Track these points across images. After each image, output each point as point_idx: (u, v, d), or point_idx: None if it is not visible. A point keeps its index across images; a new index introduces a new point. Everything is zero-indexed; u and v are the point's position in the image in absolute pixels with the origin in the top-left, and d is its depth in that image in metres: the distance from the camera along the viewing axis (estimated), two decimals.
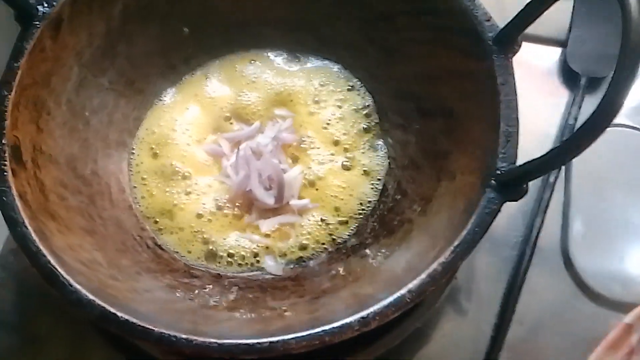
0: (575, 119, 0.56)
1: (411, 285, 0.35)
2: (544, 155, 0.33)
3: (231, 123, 0.52)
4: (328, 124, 0.51)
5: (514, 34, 0.39)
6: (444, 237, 0.37)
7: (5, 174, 0.38)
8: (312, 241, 0.47)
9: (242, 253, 0.46)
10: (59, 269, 0.35)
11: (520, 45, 0.40)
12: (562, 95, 0.59)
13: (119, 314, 0.34)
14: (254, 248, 0.47)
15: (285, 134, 0.50)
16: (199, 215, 0.48)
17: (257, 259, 0.46)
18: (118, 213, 0.46)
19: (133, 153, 0.50)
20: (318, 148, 0.50)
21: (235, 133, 0.51)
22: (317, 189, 0.49)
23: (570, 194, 0.54)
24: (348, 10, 0.50)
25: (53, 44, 0.43)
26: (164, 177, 0.49)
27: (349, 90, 0.52)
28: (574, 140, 0.31)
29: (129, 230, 0.46)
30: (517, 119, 0.38)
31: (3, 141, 0.39)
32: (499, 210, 0.36)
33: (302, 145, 0.50)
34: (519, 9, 0.38)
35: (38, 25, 0.42)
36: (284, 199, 0.47)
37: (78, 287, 0.35)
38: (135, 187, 0.49)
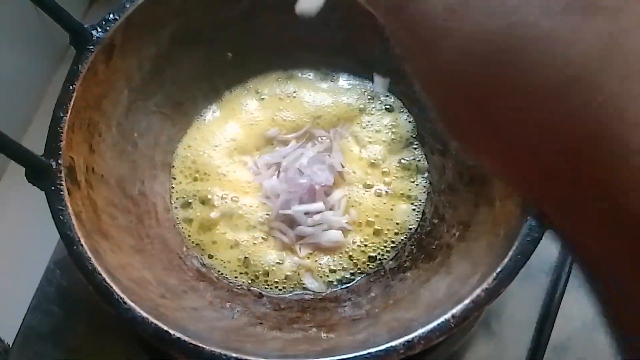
0: None
1: (454, 310, 0.35)
2: None
3: (272, 144, 0.53)
4: (367, 146, 0.52)
5: None
6: (484, 264, 0.38)
7: (62, 193, 0.39)
8: (351, 264, 0.48)
9: (283, 273, 0.48)
10: (114, 287, 0.36)
11: None
12: None
13: (172, 332, 0.35)
14: (294, 269, 0.48)
15: (328, 155, 0.51)
16: (240, 236, 0.49)
17: (298, 278, 0.47)
18: (164, 232, 0.47)
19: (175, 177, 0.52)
20: (355, 173, 0.51)
21: (274, 154, 0.52)
22: (356, 212, 0.49)
23: None
24: (387, 35, 0.51)
25: (106, 68, 0.45)
26: (204, 198, 0.50)
27: (387, 111, 0.54)
28: None
29: (174, 249, 0.47)
30: None
31: (59, 161, 0.40)
32: (541, 238, 0.37)
33: (341, 168, 0.51)
34: None
35: (92, 50, 0.44)
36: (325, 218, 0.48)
37: (132, 304, 0.36)
38: (176, 207, 0.50)
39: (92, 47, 0.44)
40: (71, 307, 0.53)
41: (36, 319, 0.52)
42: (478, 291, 0.36)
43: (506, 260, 0.36)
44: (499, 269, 0.36)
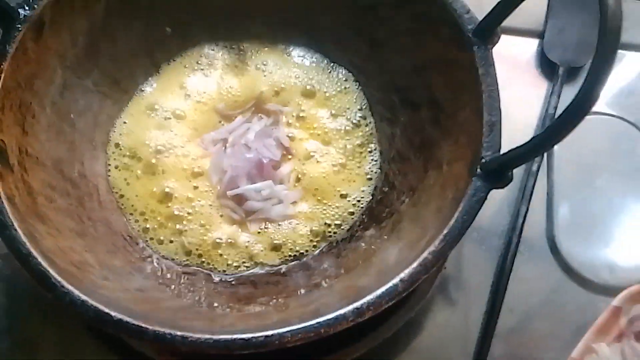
0: (555, 108, 0.57)
1: (403, 274, 0.35)
2: (527, 142, 0.34)
3: (220, 122, 0.52)
4: (317, 119, 0.51)
5: (493, 25, 0.40)
6: (433, 227, 0.38)
7: None
8: (303, 236, 0.47)
9: (234, 250, 0.47)
10: (51, 271, 0.35)
11: (499, 37, 0.41)
12: (541, 86, 0.60)
13: (113, 313, 0.34)
14: (245, 245, 0.47)
15: (275, 129, 0.50)
16: (188, 214, 0.48)
17: (249, 254, 0.46)
18: (107, 214, 0.46)
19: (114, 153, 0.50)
20: (303, 145, 0.50)
21: (219, 130, 0.51)
22: (306, 185, 0.49)
23: (553, 182, 0.55)
24: (334, 4, 0.50)
25: (35, 46, 0.43)
26: (148, 178, 0.49)
27: (338, 84, 0.53)
28: (555, 128, 0.31)
29: (119, 231, 0.45)
30: (499, 108, 0.39)
31: None
32: (485, 198, 0.37)
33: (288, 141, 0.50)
34: (496, 1, 0.39)
35: (20, 28, 0.41)
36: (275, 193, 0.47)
37: (70, 288, 0.35)
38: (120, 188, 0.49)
39: (19, 25, 0.42)
40: (19, 298, 0.51)
41: None
42: (425, 254, 0.35)
43: (452, 221, 0.36)
44: (445, 231, 0.36)
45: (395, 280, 0.35)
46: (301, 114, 0.51)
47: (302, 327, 0.34)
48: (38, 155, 0.42)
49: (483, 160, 0.37)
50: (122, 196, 0.48)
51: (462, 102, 0.41)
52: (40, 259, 0.35)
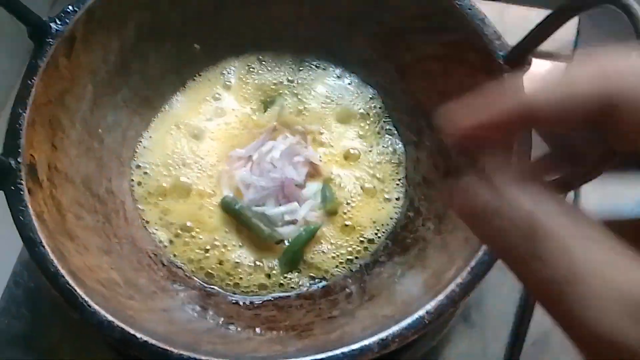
0: None
1: (429, 306, 0.35)
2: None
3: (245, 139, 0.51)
4: (343, 139, 0.51)
5: (524, 52, 0.40)
6: (460, 257, 0.38)
7: (21, 192, 0.38)
8: (327, 260, 0.47)
9: (256, 272, 0.46)
10: (78, 290, 0.35)
11: (530, 64, 0.41)
12: None
13: (139, 335, 0.34)
14: (269, 266, 0.47)
15: (303, 148, 0.50)
16: (213, 234, 0.48)
17: (274, 278, 0.46)
18: (133, 231, 0.46)
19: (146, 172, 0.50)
20: (332, 163, 0.50)
21: (246, 148, 0.51)
22: (331, 207, 0.49)
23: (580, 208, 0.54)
24: (362, 28, 0.50)
25: (67, 62, 0.43)
26: (176, 195, 0.49)
27: (366, 105, 0.53)
28: None
29: (144, 248, 0.46)
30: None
31: (19, 160, 0.38)
32: None
33: (315, 162, 0.50)
34: (518, 24, 0.38)
35: (52, 43, 0.42)
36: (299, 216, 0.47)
37: (97, 308, 0.35)
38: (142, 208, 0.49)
39: (51, 40, 0.42)
40: (41, 310, 0.51)
41: (4, 322, 0.51)
42: (452, 286, 0.35)
43: (480, 252, 0.35)
44: (472, 263, 0.35)
45: (422, 312, 0.35)
46: (327, 134, 0.51)
47: (326, 357, 0.33)
48: (67, 172, 0.43)
49: None
50: (144, 211, 0.48)
51: None
52: (68, 278, 0.36)
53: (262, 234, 0.46)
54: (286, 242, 0.47)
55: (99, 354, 0.49)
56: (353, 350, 0.33)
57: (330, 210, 0.48)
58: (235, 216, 0.47)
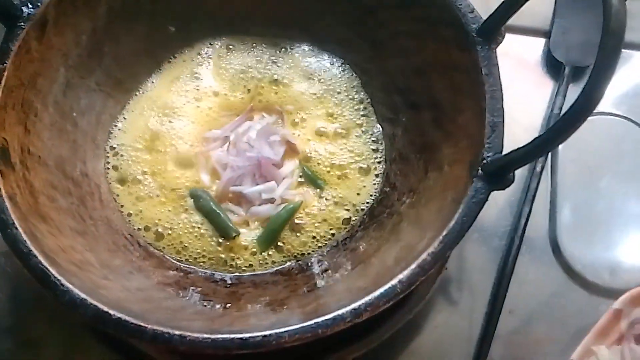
0: (560, 108, 0.57)
1: (401, 276, 0.35)
2: (529, 143, 0.33)
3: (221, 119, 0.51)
4: (318, 117, 0.51)
5: (497, 25, 0.40)
6: (433, 228, 0.38)
7: None
8: (305, 237, 0.47)
9: (233, 250, 0.47)
10: (51, 270, 0.35)
11: (503, 36, 0.41)
12: (546, 85, 0.60)
13: (112, 312, 0.34)
14: (245, 244, 0.47)
15: (278, 127, 0.50)
16: (189, 216, 0.48)
17: (249, 254, 0.46)
18: (108, 213, 0.46)
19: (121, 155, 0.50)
20: (308, 141, 0.50)
21: (223, 128, 0.50)
22: (308, 184, 0.49)
23: (557, 183, 0.54)
24: (336, 6, 0.50)
25: (39, 45, 0.43)
26: (147, 176, 0.49)
27: (341, 84, 0.53)
28: (558, 128, 0.31)
29: (120, 230, 0.46)
30: (502, 109, 0.39)
31: None
32: (486, 199, 0.36)
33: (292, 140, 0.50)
34: (502, 1, 0.38)
35: (23, 26, 0.42)
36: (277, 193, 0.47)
37: (70, 287, 0.35)
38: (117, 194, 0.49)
39: (22, 23, 0.42)
40: (22, 296, 0.51)
41: None
42: (424, 255, 0.35)
43: (452, 223, 0.36)
44: (444, 232, 0.36)
45: (394, 282, 0.35)
46: (303, 113, 0.51)
47: (300, 328, 0.34)
48: (40, 154, 0.43)
49: (484, 162, 0.37)
50: (118, 195, 0.48)
51: (464, 103, 0.41)
52: (40, 258, 0.35)
53: (219, 227, 0.47)
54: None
55: (81, 344, 0.49)
56: (326, 319, 0.34)
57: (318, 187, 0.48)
58: (198, 208, 0.47)
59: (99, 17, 0.47)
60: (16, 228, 0.36)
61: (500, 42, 0.41)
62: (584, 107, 0.29)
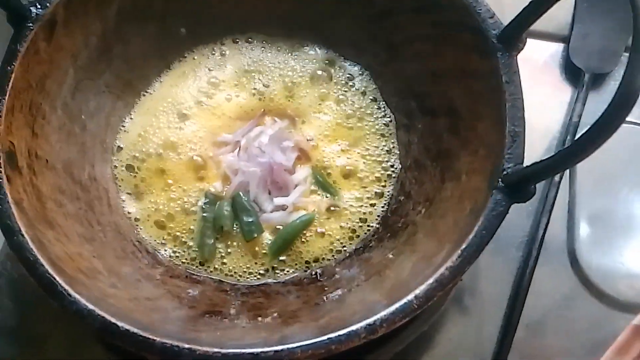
0: (580, 116, 0.55)
1: (418, 291, 0.34)
2: (554, 155, 0.32)
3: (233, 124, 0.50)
4: (333, 123, 0.50)
5: (518, 31, 0.39)
6: (450, 240, 0.37)
7: (0, 180, 0.37)
8: (317, 246, 0.46)
9: (244, 258, 0.46)
10: (58, 279, 0.34)
11: (524, 43, 0.40)
12: (565, 92, 0.58)
13: (120, 324, 0.33)
14: (257, 253, 0.46)
15: (290, 132, 0.49)
16: (195, 220, 0.47)
17: (260, 264, 0.45)
18: (116, 218, 0.45)
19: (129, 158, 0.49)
20: (323, 150, 0.49)
21: (234, 133, 0.50)
22: (321, 192, 0.48)
23: (575, 193, 0.53)
24: (350, 8, 0.49)
25: (47, 47, 0.42)
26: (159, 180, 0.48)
27: (350, 82, 0.51)
28: (587, 139, 0.29)
29: (128, 236, 0.45)
30: (523, 118, 0.37)
31: None
32: (506, 213, 0.35)
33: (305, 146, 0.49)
34: (516, 5, 0.37)
35: (31, 27, 0.41)
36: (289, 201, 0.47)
37: (77, 297, 0.34)
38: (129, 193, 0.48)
39: (31, 24, 0.41)
40: (26, 301, 0.50)
41: None
42: (442, 270, 0.34)
43: (471, 236, 0.35)
44: (463, 246, 0.34)
45: (410, 297, 0.34)
46: (317, 118, 0.50)
47: (313, 344, 0.33)
48: (48, 158, 0.42)
49: (504, 173, 0.36)
50: (125, 200, 0.47)
51: (483, 111, 0.40)
52: (47, 267, 0.35)
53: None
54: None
55: (86, 345, 0.48)
56: (340, 335, 0.33)
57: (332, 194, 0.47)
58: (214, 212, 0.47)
59: (109, 18, 0.46)
60: (23, 235, 0.36)
61: (522, 49, 0.40)
62: (618, 111, 0.27)
